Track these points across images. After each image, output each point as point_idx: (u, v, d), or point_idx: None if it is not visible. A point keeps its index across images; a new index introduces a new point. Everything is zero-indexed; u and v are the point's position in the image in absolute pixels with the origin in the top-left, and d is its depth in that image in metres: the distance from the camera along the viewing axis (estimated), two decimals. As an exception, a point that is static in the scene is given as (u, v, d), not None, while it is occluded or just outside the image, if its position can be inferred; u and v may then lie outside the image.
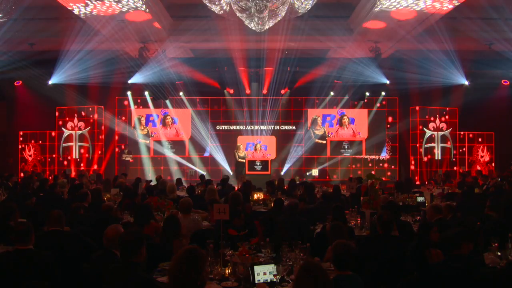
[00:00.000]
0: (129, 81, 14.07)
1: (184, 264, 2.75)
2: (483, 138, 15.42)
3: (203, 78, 14.31)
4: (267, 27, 8.54)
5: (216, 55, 13.23)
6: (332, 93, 15.19)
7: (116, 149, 15.41)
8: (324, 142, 15.56)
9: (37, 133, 15.16)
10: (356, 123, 15.58)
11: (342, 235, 4.11)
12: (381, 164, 15.55)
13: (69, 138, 15.09)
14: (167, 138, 15.54)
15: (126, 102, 15.45)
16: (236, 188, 9.53)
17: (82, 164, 14.99)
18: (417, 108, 15.04)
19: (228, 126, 15.68)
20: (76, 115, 15.08)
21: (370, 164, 15.45)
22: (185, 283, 2.73)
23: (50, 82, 13.72)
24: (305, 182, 9.97)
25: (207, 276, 2.91)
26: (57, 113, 15.17)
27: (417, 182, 14.19)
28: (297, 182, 10.68)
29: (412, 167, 15.16)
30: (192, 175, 13.66)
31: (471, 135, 15.41)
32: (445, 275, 3.43)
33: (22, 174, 14.17)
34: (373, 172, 10.18)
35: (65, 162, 15.00)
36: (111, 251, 3.81)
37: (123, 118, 15.51)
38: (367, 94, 14.81)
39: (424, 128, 15.14)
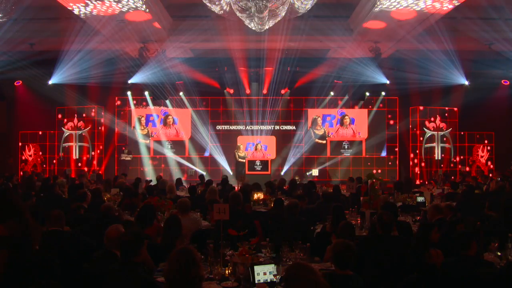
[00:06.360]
0: (129, 81, 14.07)
1: (177, 265, 2.76)
2: (483, 138, 15.42)
3: (203, 78, 14.30)
4: (267, 27, 8.54)
5: (216, 55, 13.24)
6: (332, 93, 15.19)
7: (116, 149, 15.41)
8: (324, 142, 15.56)
9: (37, 133, 15.16)
10: (356, 123, 15.58)
11: (351, 235, 4.12)
12: (381, 164, 15.56)
13: (69, 138, 15.09)
14: (167, 138, 15.53)
15: (126, 102, 15.45)
16: (236, 188, 9.52)
17: (82, 164, 15.00)
18: (417, 108, 15.05)
19: (228, 126, 15.68)
20: (76, 115, 15.08)
21: (370, 164, 15.46)
22: (181, 284, 2.74)
23: (50, 82, 13.72)
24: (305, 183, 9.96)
25: (203, 272, 2.90)
26: (57, 113, 15.18)
27: (417, 182, 14.18)
28: (297, 183, 10.67)
29: (412, 167, 15.16)
30: (192, 175, 13.64)
31: (471, 135, 15.42)
32: (457, 276, 3.44)
33: (22, 174, 14.17)
34: (373, 172, 10.18)
35: (65, 162, 15.01)
36: (111, 251, 3.81)
37: (123, 118, 15.51)
38: (367, 94, 14.81)
39: (424, 128, 15.14)
